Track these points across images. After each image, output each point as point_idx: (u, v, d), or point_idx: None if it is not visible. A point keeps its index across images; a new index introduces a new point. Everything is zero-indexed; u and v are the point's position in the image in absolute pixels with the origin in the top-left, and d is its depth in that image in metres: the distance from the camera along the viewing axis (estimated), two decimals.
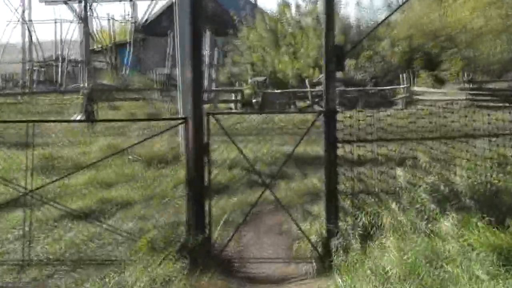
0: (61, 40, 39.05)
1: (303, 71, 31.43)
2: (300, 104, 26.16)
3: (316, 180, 10.63)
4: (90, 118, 17.36)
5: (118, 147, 12.52)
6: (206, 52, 28.22)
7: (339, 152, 7.31)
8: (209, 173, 7.47)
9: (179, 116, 12.25)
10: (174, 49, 23.48)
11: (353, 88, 26.80)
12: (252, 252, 7.91)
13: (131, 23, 39.85)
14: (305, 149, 11.09)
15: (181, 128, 11.25)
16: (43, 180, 10.35)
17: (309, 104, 25.89)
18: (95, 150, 12.86)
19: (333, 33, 7.39)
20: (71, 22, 37.26)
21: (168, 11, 39.55)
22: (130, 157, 11.97)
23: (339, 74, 24.57)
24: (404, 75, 26.44)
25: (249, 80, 29.30)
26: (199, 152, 7.25)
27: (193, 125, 7.24)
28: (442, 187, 6.97)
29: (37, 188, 8.24)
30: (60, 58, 35.88)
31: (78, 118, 17.90)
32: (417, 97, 24.93)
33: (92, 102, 18.19)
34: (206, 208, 7.35)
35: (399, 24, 32.78)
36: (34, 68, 37.11)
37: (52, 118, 18.57)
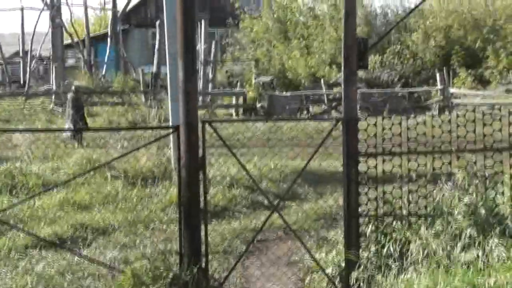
0: (22, 30, 39.21)
1: (318, 70, 31.55)
2: (314, 109, 26.28)
3: (333, 201, 10.74)
4: (79, 127, 17.20)
5: (97, 161, 12.61)
6: (201, 46, 28.42)
7: (361, 167, 7.40)
8: (205, 192, 7.56)
9: (169, 125, 12.42)
10: (162, 43, 23.62)
11: (378, 90, 26.88)
12: (257, 286, 8.00)
13: (111, 10, 40.02)
14: (320, 163, 11.18)
15: (171, 138, 11.43)
16: (10, 201, 10.48)
17: (325, 109, 26.00)
18: (70, 165, 12.94)
19: (354, 23, 7.49)
20: (40, 10, 37.16)
21: None
22: (111, 173, 12.06)
23: (361, 73, 24.68)
24: (440, 74, 26.49)
25: (253, 81, 29.44)
26: (193, 168, 7.32)
27: (185, 135, 7.31)
28: (483, 210, 7.04)
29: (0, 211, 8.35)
30: (28, 54, 35.96)
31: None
32: (456, 100, 25.01)
33: (81, 108, 18.12)
34: (202, 234, 7.42)
35: (434, 13, 32.90)
36: None
37: (15, 127, 18.74)
